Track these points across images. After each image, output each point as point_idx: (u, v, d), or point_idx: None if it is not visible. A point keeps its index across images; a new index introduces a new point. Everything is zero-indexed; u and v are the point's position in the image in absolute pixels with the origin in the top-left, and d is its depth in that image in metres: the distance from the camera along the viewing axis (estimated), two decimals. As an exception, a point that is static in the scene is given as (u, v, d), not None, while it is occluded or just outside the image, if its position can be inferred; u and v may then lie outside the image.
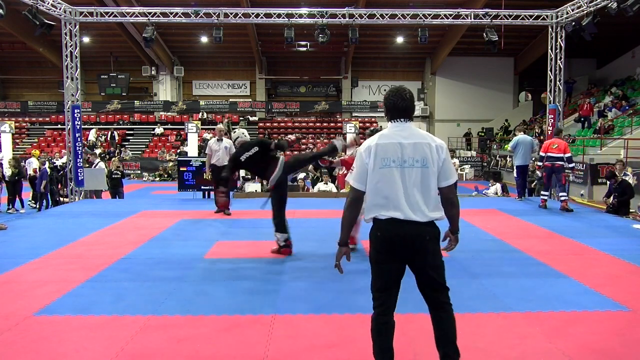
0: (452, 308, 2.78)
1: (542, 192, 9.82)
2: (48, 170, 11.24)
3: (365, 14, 12.06)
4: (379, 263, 2.80)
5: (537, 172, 11.10)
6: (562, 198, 9.28)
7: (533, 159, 11.43)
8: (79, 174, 11.50)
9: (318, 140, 24.39)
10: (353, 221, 2.89)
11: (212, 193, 10.47)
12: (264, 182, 6.10)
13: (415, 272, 2.77)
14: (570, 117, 21.14)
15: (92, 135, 23.77)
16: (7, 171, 10.84)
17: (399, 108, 2.77)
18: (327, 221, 8.03)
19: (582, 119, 19.11)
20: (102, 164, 13.46)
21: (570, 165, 9.34)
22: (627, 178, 10.08)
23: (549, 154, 9.24)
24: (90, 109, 25.75)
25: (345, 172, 13.56)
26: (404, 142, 2.71)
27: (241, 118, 26.39)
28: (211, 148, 8.78)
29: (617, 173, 9.96)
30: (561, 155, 9.12)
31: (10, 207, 10.82)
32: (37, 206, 11.10)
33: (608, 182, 10.46)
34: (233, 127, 24.31)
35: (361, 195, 2.80)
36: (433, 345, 3.41)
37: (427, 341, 3.48)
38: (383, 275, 2.80)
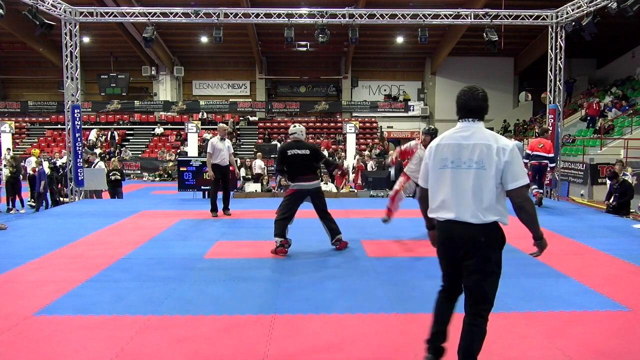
0: (485, 323, 2.72)
1: (532, 187, 10.05)
2: (47, 170, 11.23)
3: (365, 14, 12.06)
4: (439, 256, 2.92)
5: None
6: (534, 191, 9.71)
7: None
8: (79, 174, 11.50)
9: (318, 140, 24.37)
10: (425, 211, 2.95)
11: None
12: (288, 182, 6.24)
13: (463, 273, 2.74)
14: (570, 117, 21.13)
15: (92, 135, 23.78)
16: (5, 170, 10.82)
17: (468, 107, 2.74)
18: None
19: (589, 118, 19.02)
20: (101, 164, 13.46)
21: (552, 165, 9.82)
22: (626, 178, 10.08)
23: (536, 153, 9.57)
24: (90, 109, 25.74)
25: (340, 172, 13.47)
26: (463, 142, 2.69)
27: (241, 118, 26.39)
28: (214, 146, 8.45)
29: (618, 173, 9.98)
30: (546, 154, 9.50)
31: (11, 207, 10.82)
32: (36, 206, 11.04)
33: (609, 183, 10.46)
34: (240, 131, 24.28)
35: (426, 192, 2.89)
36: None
37: (427, 341, 3.49)
38: (442, 265, 2.92)
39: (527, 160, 9.93)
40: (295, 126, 6.19)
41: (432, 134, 6.54)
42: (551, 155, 9.56)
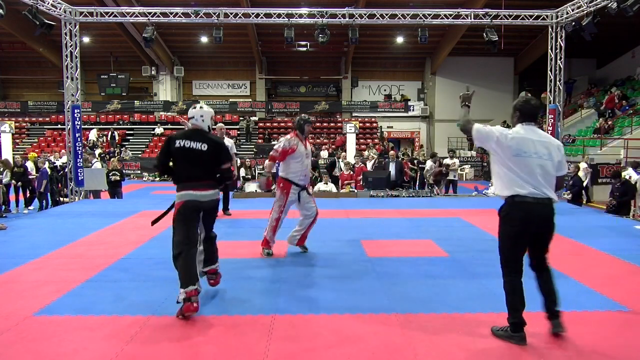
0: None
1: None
2: (47, 170, 11.20)
3: (365, 14, 12.07)
4: (517, 235, 3.65)
5: None
6: None
7: None
8: (79, 174, 11.50)
9: (318, 140, 24.38)
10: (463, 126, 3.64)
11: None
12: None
13: (539, 239, 3.61)
14: (570, 117, 21.13)
15: (92, 135, 23.76)
16: (8, 174, 10.78)
17: (532, 114, 3.53)
18: (327, 221, 8.02)
19: (609, 111, 18.93)
20: (98, 164, 13.39)
21: None
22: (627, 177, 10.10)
23: None
24: (90, 109, 25.73)
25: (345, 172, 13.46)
26: (533, 139, 3.44)
27: (241, 118, 26.39)
28: None
29: (622, 173, 10.01)
30: None
31: (4, 209, 10.77)
32: (39, 206, 10.93)
33: (612, 182, 10.49)
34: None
35: (470, 129, 3.58)
36: (433, 345, 3.42)
37: (427, 341, 3.49)
38: (518, 244, 3.67)
39: None
40: (195, 107, 4.39)
41: (306, 121, 6.05)
42: None
